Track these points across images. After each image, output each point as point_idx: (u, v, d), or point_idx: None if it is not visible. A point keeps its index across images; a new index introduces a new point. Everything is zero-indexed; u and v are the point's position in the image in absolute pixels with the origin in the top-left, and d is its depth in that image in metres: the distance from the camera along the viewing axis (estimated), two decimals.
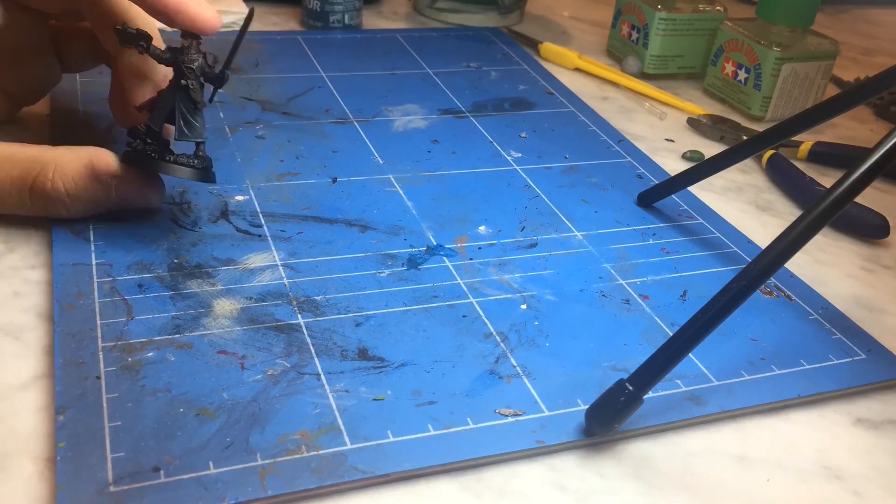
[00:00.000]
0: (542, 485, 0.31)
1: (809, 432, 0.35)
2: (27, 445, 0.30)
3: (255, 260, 0.40)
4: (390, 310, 0.38)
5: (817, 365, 0.38)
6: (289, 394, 0.33)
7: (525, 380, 0.35)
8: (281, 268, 0.40)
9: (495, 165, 0.51)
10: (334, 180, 0.48)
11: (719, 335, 0.36)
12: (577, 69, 0.69)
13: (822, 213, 0.33)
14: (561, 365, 0.36)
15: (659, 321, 0.39)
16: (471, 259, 0.42)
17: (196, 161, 0.41)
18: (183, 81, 0.40)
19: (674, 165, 0.55)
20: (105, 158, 0.40)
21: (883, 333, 0.41)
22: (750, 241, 0.47)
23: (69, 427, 0.30)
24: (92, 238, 0.40)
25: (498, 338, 0.37)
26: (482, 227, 0.45)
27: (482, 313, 0.39)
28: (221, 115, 0.53)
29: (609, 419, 0.32)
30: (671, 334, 0.33)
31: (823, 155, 0.57)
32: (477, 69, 0.65)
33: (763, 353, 0.38)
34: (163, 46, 0.40)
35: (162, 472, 0.29)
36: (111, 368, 0.33)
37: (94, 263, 0.39)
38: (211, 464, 0.30)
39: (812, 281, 0.44)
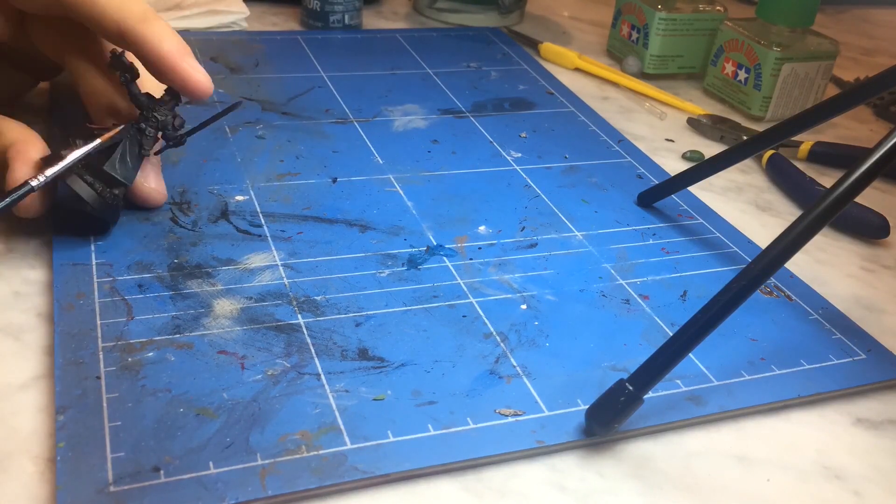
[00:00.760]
0: (542, 485, 0.31)
1: (809, 432, 0.35)
2: (27, 445, 0.30)
3: (255, 260, 0.40)
4: (390, 310, 0.38)
5: (817, 365, 0.38)
6: (289, 394, 0.33)
7: (525, 380, 0.35)
8: (281, 268, 0.40)
9: (495, 165, 0.51)
10: (334, 180, 0.48)
11: (719, 335, 0.36)
12: (577, 69, 0.69)
13: (822, 213, 0.33)
14: (561, 365, 0.36)
15: (659, 321, 0.39)
16: (471, 259, 0.42)
17: (108, 195, 0.39)
18: (142, 125, 0.40)
19: (674, 165, 0.55)
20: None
21: (883, 333, 0.41)
22: (750, 241, 0.47)
23: (69, 427, 0.30)
24: (92, 238, 0.40)
25: (498, 338, 0.37)
26: (482, 227, 0.45)
27: (482, 313, 0.39)
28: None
29: (609, 419, 0.32)
30: (671, 334, 0.33)
31: (823, 155, 0.57)
32: (477, 69, 0.65)
33: (763, 353, 0.38)
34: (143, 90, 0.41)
35: (162, 472, 0.29)
36: (111, 368, 0.33)
37: (94, 263, 0.39)
38: (211, 464, 0.30)
39: (812, 281, 0.44)
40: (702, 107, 0.64)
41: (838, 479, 0.33)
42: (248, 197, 0.45)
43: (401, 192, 0.47)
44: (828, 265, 0.47)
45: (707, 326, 0.32)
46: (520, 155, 0.53)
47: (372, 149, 0.52)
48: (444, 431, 0.32)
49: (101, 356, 0.34)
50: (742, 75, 0.62)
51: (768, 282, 0.42)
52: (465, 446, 0.32)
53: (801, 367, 0.37)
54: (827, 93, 0.64)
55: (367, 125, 0.54)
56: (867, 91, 0.40)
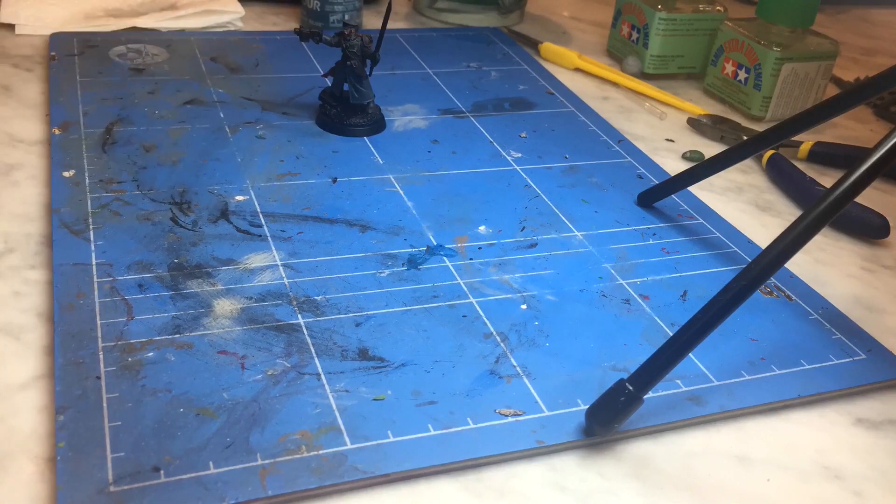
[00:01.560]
0: (542, 485, 0.31)
1: (809, 432, 0.35)
2: (27, 445, 0.30)
3: (255, 260, 0.40)
4: (390, 310, 0.38)
5: (817, 365, 0.38)
6: (289, 394, 0.33)
7: (525, 380, 0.35)
8: (281, 268, 0.40)
9: (495, 165, 0.51)
10: (334, 180, 0.48)
11: (719, 335, 0.36)
12: (577, 69, 0.69)
13: (822, 213, 0.33)
14: (561, 365, 0.36)
15: (659, 321, 0.39)
16: (471, 259, 0.42)
17: (366, 119, 0.53)
18: (348, 62, 0.53)
19: (674, 165, 0.55)
20: None
21: (883, 333, 0.41)
22: (750, 241, 0.47)
23: (69, 427, 0.30)
24: (92, 238, 0.40)
25: (498, 338, 0.37)
26: (482, 227, 0.45)
27: (482, 313, 0.39)
28: (221, 115, 0.53)
29: (609, 419, 0.32)
30: (671, 334, 0.33)
31: (823, 155, 0.57)
32: (477, 69, 0.65)
33: (763, 353, 0.38)
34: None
35: (162, 472, 0.29)
36: (111, 368, 0.33)
37: (94, 263, 0.39)
38: (211, 464, 0.30)
39: (812, 281, 0.44)
40: (702, 107, 0.64)
41: (838, 479, 0.33)
42: (248, 197, 0.45)
43: (401, 192, 0.47)
44: (828, 265, 0.47)
45: (707, 326, 0.32)
46: (520, 155, 0.53)
47: (372, 149, 0.52)
48: (444, 431, 0.32)
49: (101, 356, 0.33)
50: (742, 75, 0.62)
51: (768, 282, 0.42)
52: (465, 446, 0.32)
53: (801, 367, 0.37)
54: (827, 93, 0.64)
55: None
56: (867, 91, 0.40)
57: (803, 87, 0.62)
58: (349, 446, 0.31)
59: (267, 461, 0.30)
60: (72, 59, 0.58)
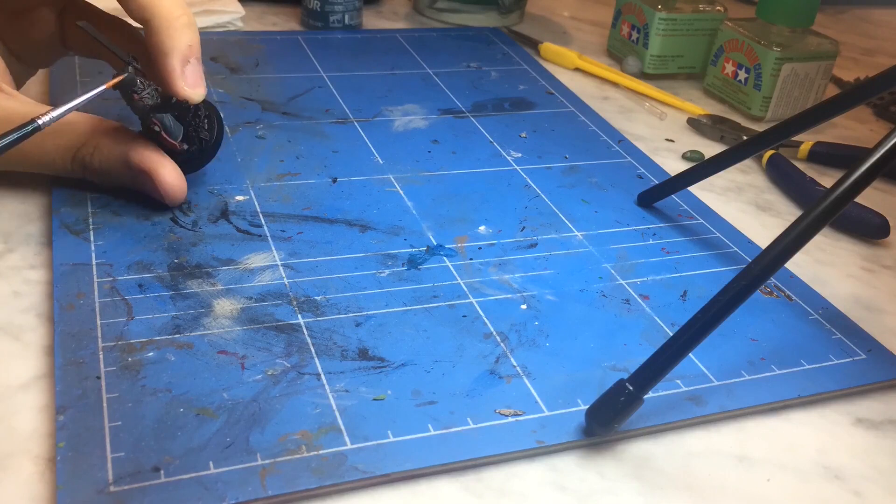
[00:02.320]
0: (542, 485, 0.31)
1: (809, 432, 0.35)
2: (27, 445, 0.30)
3: (256, 260, 0.40)
4: (390, 310, 0.38)
5: (817, 365, 0.38)
6: (289, 394, 0.33)
7: (525, 380, 0.35)
8: (281, 268, 0.40)
9: (495, 165, 0.51)
10: (334, 180, 0.48)
11: (719, 335, 0.36)
12: (577, 69, 0.69)
13: (822, 213, 0.33)
14: (561, 365, 0.36)
15: (659, 321, 0.39)
16: (471, 259, 0.42)
17: (191, 151, 0.44)
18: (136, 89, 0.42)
19: (674, 165, 0.55)
20: (140, 154, 0.42)
21: (883, 333, 0.41)
22: (750, 241, 0.47)
23: (69, 427, 0.30)
24: (92, 238, 0.40)
25: (498, 338, 0.37)
26: (482, 227, 0.45)
27: (482, 313, 0.39)
28: (221, 115, 0.53)
29: (609, 419, 0.32)
30: (671, 334, 0.33)
31: (823, 155, 0.57)
32: (477, 69, 0.65)
33: (763, 353, 0.38)
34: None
35: (162, 472, 0.29)
36: (111, 368, 0.33)
37: (94, 263, 0.39)
38: (211, 464, 0.30)
39: (812, 281, 0.44)
40: (702, 107, 0.64)
41: (838, 479, 0.33)
42: (248, 197, 0.45)
43: (401, 192, 0.47)
44: (828, 265, 0.47)
45: (707, 326, 0.32)
46: (520, 155, 0.53)
47: (372, 149, 0.52)
48: (444, 431, 0.32)
49: (101, 356, 0.34)
50: (742, 75, 0.62)
51: (768, 282, 0.42)
52: (465, 446, 0.32)
53: (801, 367, 0.37)
54: (827, 93, 0.64)
55: (367, 125, 0.54)
56: (867, 91, 0.40)
57: (803, 87, 0.62)
58: (349, 446, 0.31)
59: (267, 461, 0.30)
60: (72, 59, 0.58)
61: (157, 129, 0.42)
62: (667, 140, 0.59)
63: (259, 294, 0.38)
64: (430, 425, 0.32)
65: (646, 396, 0.32)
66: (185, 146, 0.43)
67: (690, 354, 0.34)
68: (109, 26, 0.47)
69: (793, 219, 0.34)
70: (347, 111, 0.56)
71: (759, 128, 0.60)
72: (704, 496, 0.32)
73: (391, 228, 0.44)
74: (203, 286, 0.38)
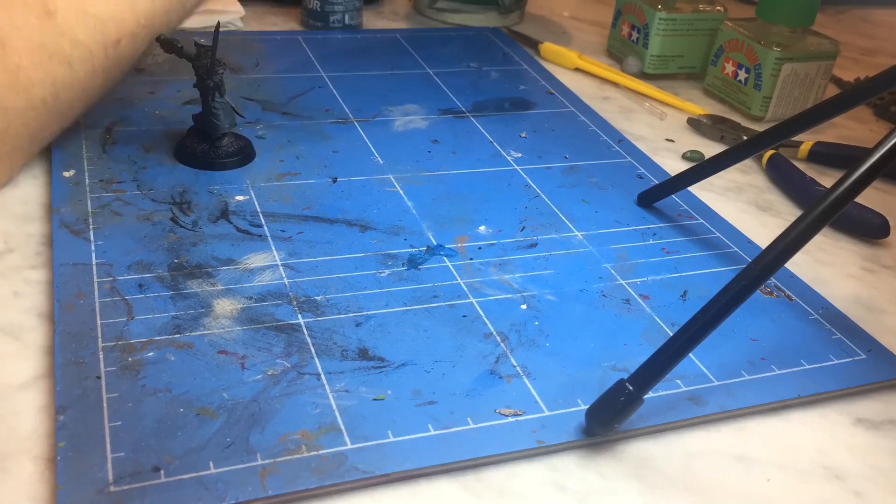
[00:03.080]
0: (542, 485, 0.31)
1: (809, 432, 0.35)
2: (27, 445, 0.30)
3: (256, 260, 0.40)
4: (390, 310, 0.38)
5: (817, 365, 0.38)
6: (289, 394, 0.33)
7: (525, 380, 0.35)
8: (281, 268, 0.40)
9: (495, 165, 0.51)
10: (334, 180, 0.48)
11: (719, 335, 0.36)
12: (577, 69, 0.69)
13: (822, 213, 0.33)
14: (561, 365, 0.36)
15: (659, 321, 0.39)
16: (471, 259, 0.42)
17: (230, 150, 0.48)
18: (196, 86, 0.47)
19: (674, 165, 0.55)
20: None
21: (883, 333, 0.41)
22: (750, 241, 0.47)
23: (69, 427, 0.30)
24: (92, 238, 0.40)
25: (498, 338, 0.37)
26: (482, 227, 0.45)
27: (482, 313, 0.39)
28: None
29: (609, 419, 0.32)
30: (671, 334, 0.33)
31: (823, 155, 0.57)
32: (477, 69, 0.65)
33: (763, 353, 0.38)
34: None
35: (162, 471, 0.29)
36: (111, 368, 0.33)
37: (94, 263, 0.39)
38: (211, 464, 0.30)
39: (812, 281, 0.44)
40: (702, 107, 0.64)
41: (838, 479, 0.33)
42: (248, 197, 0.45)
43: (401, 192, 0.47)
44: (828, 265, 0.47)
45: (707, 326, 0.32)
46: (520, 155, 0.53)
47: (372, 149, 0.52)
48: (444, 431, 0.32)
49: (101, 356, 0.33)
50: (742, 75, 0.62)
51: (768, 282, 0.42)
52: (465, 446, 0.32)
53: (801, 367, 0.37)
54: (827, 93, 0.64)
55: (367, 125, 0.54)
56: (867, 91, 0.40)
57: (803, 87, 0.62)
58: (349, 446, 0.31)
59: (267, 461, 0.30)
60: None
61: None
62: (667, 140, 0.59)
63: (259, 294, 0.38)
64: (430, 425, 0.32)
65: (646, 396, 0.32)
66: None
67: (690, 354, 0.34)
68: None
69: (793, 219, 0.34)
70: (347, 111, 0.56)
71: (759, 128, 0.60)
72: (704, 496, 0.32)
73: (391, 228, 0.44)
74: (203, 286, 0.38)
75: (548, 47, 0.70)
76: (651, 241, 0.46)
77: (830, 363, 0.38)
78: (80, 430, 0.30)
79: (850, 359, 0.38)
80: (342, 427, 0.32)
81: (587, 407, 0.33)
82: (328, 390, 0.33)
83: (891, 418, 0.36)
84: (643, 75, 0.68)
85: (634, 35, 0.68)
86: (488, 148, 0.53)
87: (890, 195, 0.55)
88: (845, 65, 0.77)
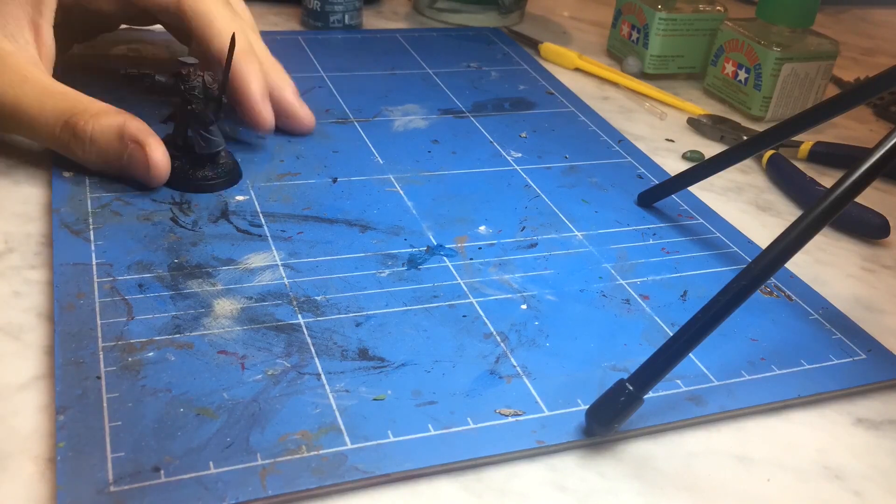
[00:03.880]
0: (542, 485, 0.31)
1: (809, 432, 0.35)
2: (27, 445, 0.30)
3: (256, 260, 0.40)
4: (390, 310, 0.38)
5: (817, 365, 0.38)
6: (289, 394, 0.33)
7: (525, 380, 0.35)
8: (281, 268, 0.40)
9: (495, 165, 0.51)
10: (334, 180, 0.48)
11: (719, 335, 0.36)
12: (577, 69, 0.69)
13: (822, 213, 0.33)
14: (561, 365, 0.36)
15: (659, 321, 0.39)
16: (471, 259, 0.42)
17: (217, 171, 0.45)
18: (189, 106, 0.44)
19: (674, 165, 0.55)
20: (136, 125, 0.44)
21: (883, 333, 0.41)
22: (750, 241, 0.47)
23: (69, 427, 0.30)
24: (92, 238, 0.40)
25: (498, 338, 0.37)
26: (482, 227, 0.45)
27: (482, 313, 0.39)
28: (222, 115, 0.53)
29: (609, 419, 0.32)
30: (671, 334, 0.33)
31: (823, 155, 0.57)
32: (477, 69, 0.65)
33: (763, 353, 0.38)
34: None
35: (162, 471, 0.29)
36: (111, 368, 0.33)
37: (94, 263, 0.39)
38: (211, 464, 0.30)
39: (812, 281, 0.44)
40: (702, 107, 0.64)
41: (838, 479, 0.33)
42: (248, 197, 0.45)
43: (401, 192, 0.47)
44: (828, 265, 0.47)
45: (707, 326, 0.32)
46: (520, 155, 0.53)
47: (372, 149, 0.52)
48: (444, 431, 0.32)
49: (101, 356, 0.34)
50: (742, 75, 0.62)
51: (768, 282, 0.42)
52: (465, 446, 0.32)
53: (802, 367, 0.37)
54: (827, 93, 0.64)
55: (367, 125, 0.54)
56: (867, 91, 0.40)
57: (803, 87, 0.62)
58: (349, 446, 0.31)
59: (267, 461, 0.30)
60: (72, 59, 0.58)
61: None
62: (667, 140, 0.59)
63: (259, 294, 0.38)
64: (430, 425, 0.32)
65: (646, 396, 0.32)
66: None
67: (690, 354, 0.34)
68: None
69: (793, 219, 0.34)
70: (347, 111, 0.56)
71: (759, 128, 0.60)
72: (704, 496, 0.32)
73: (391, 228, 0.44)
74: (203, 286, 0.38)
75: (548, 47, 0.70)
76: (651, 241, 0.46)
77: (830, 363, 0.38)
78: (80, 430, 0.30)
79: (850, 359, 0.38)
80: (342, 427, 0.32)
81: (587, 407, 0.33)
82: (328, 390, 0.33)
83: (891, 418, 0.36)
84: (643, 75, 0.68)
85: (634, 35, 0.68)
86: (488, 148, 0.53)
87: (890, 195, 0.55)
88: (845, 65, 0.77)
